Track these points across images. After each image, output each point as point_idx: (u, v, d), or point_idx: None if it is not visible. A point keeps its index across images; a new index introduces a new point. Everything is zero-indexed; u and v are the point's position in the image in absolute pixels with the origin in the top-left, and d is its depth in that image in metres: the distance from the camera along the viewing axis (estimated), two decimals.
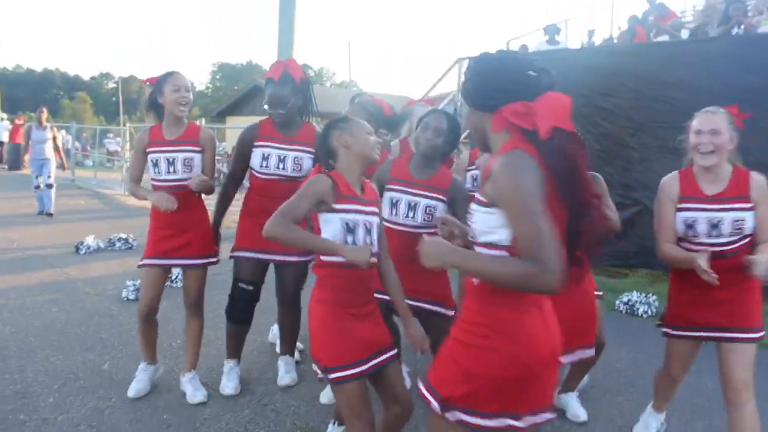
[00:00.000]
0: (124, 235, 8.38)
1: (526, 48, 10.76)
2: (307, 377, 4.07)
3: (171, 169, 3.58)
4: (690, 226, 2.86)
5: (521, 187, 1.70)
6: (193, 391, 3.70)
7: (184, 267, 3.76)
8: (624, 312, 5.74)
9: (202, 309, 3.85)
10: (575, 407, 3.54)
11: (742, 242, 2.85)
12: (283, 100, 3.61)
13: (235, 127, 19.88)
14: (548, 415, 1.94)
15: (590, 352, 3.18)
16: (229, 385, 3.74)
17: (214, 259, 3.80)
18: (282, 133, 3.69)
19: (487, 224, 1.81)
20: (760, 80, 6.53)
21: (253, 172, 3.72)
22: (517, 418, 1.86)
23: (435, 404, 1.93)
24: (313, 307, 2.52)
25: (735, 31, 7.77)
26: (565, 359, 2.88)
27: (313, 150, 3.69)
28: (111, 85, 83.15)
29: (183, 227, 3.64)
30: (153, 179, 3.64)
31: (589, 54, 8.69)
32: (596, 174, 3.41)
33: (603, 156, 7.56)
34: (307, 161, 3.69)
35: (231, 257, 3.80)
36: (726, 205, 2.83)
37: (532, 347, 1.81)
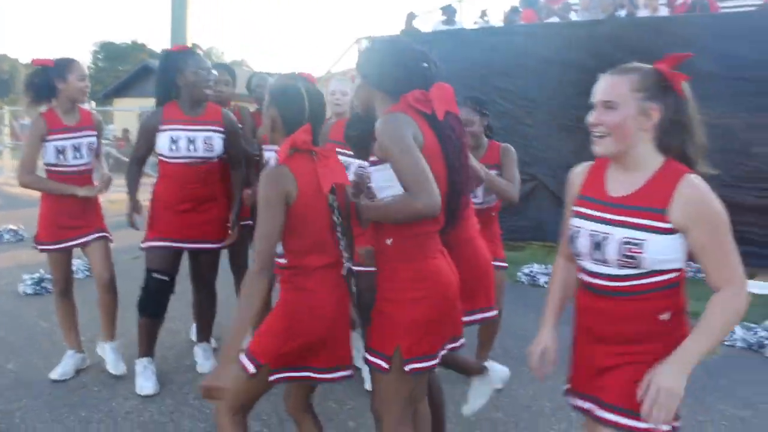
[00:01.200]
0: (12, 227, 7.90)
1: (418, 30, 10.91)
2: None
3: (77, 155, 3.68)
4: (572, 239, 1.90)
5: (395, 133, 2.02)
6: (115, 360, 3.77)
7: (85, 245, 3.76)
8: (526, 283, 6.03)
9: (114, 286, 3.83)
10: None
11: (648, 280, 1.77)
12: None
13: (124, 109, 19.08)
14: (463, 340, 2.36)
15: (492, 313, 3.02)
16: (146, 385, 3.60)
17: (110, 237, 3.88)
18: (188, 115, 3.62)
19: (383, 180, 2.11)
20: (641, 60, 6.92)
21: (163, 159, 3.62)
22: (454, 341, 2.29)
23: (384, 364, 2.12)
24: None
25: (618, 13, 8.25)
26: (468, 319, 2.90)
27: (221, 129, 3.67)
28: None
29: (81, 211, 3.70)
30: (54, 165, 3.65)
31: (486, 34, 8.95)
32: (509, 146, 3.67)
33: (501, 133, 7.82)
34: (217, 140, 3.65)
35: (143, 248, 3.70)
36: (620, 216, 1.79)
37: (448, 283, 2.16)
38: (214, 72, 3.76)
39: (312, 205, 2.15)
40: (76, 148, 3.66)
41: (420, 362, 2.12)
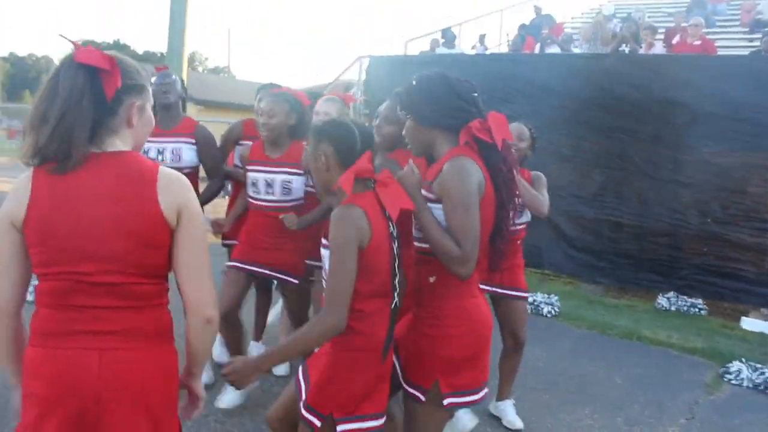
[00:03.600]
0: None
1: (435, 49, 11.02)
2: None
3: None
4: None
5: (463, 185, 2.02)
6: None
7: None
8: (530, 311, 6.08)
9: None
10: (511, 414, 3.71)
11: None
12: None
13: None
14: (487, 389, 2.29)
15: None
16: None
17: None
18: (161, 128, 3.64)
19: (438, 218, 2.09)
20: (641, 97, 7.17)
21: None
22: (484, 387, 2.22)
23: (421, 396, 2.14)
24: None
25: (622, 48, 8.42)
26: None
27: (192, 141, 3.78)
28: None
29: None
30: None
31: (487, 60, 9.09)
32: (539, 173, 3.69)
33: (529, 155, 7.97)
34: (186, 152, 3.76)
35: None
36: None
37: (486, 322, 2.18)
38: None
39: (383, 243, 2.05)
40: None
41: (458, 396, 2.14)
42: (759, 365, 4.71)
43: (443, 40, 10.98)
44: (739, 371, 4.64)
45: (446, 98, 2.15)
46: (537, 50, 10.01)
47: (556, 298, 6.33)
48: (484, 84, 7.95)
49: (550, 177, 7.67)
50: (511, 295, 3.63)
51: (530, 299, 6.21)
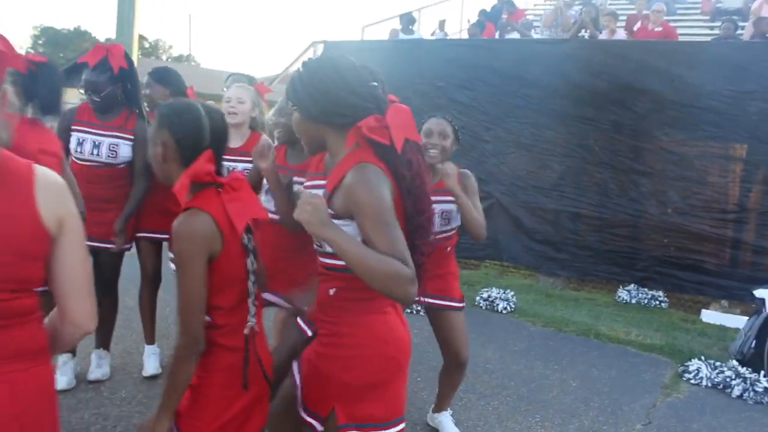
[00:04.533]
0: None
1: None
2: None
3: None
4: None
5: (379, 199, 1.67)
6: None
7: None
8: (484, 308, 5.84)
9: None
10: (450, 427, 3.40)
11: None
12: (97, 88, 3.50)
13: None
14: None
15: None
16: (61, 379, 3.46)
17: None
18: (99, 119, 3.58)
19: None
20: (602, 83, 6.94)
21: (71, 157, 3.58)
22: (403, 420, 1.86)
23: (319, 426, 1.84)
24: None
25: (582, 34, 8.20)
26: None
27: (130, 137, 3.59)
28: None
29: None
30: None
31: (445, 46, 8.76)
32: (468, 172, 3.23)
33: (458, 149, 7.68)
34: (123, 148, 3.59)
35: None
36: None
37: (398, 343, 1.83)
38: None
39: (237, 252, 1.75)
40: None
41: (360, 430, 1.79)
42: (718, 363, 4.50)
43: (401, 26, 10.65)
44: (698, 370, 4.43)
45: (334, 92, 1.75)
46: (497, 36, 9.73)
47: (512, 293, 6.07)
48: (444, 70, 7.80)
49: (508, 166, 7.64)
50: (442, 305, 3.21)
51: (485, 294, 5.97)
